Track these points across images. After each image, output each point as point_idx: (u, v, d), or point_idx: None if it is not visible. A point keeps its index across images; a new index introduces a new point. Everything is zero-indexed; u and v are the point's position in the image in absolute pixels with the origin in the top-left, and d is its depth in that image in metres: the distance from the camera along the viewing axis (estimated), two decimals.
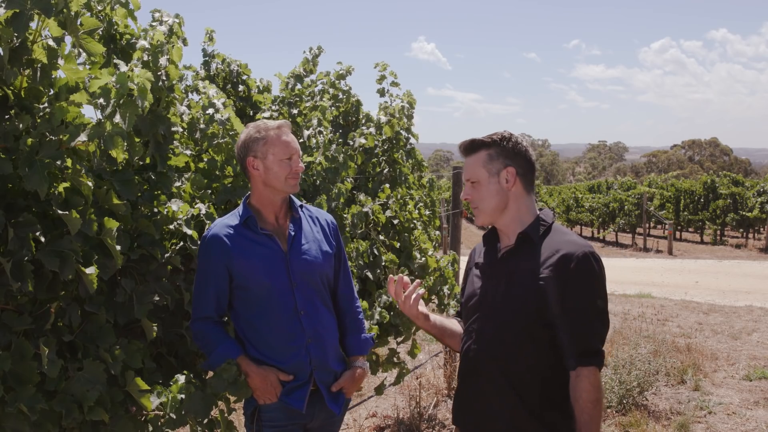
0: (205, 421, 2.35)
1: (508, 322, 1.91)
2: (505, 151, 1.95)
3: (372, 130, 4.08)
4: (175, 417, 2.07)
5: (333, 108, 4.28)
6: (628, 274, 13.33)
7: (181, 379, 2.15)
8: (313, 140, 3.54)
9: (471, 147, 2.00)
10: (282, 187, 2.30)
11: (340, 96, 4.36)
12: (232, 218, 2.33)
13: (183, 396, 2.11)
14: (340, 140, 4.14)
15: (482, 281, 2.03)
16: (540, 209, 2.01)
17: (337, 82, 4.42)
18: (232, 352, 2.24)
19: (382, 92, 4.45)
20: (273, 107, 4.20)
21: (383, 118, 4.17)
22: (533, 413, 1.88)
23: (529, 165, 1.97)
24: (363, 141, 4.01)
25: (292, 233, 2.34)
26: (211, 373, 2.28)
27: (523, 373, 1.90)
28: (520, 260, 1.93)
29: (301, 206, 2.44)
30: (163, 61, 2.32)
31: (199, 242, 2.39)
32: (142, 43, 2.32)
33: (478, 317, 2.01)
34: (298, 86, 4.46)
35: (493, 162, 1.95)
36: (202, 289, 2.28)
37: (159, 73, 2.32)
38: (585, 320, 1.83)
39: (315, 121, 3.68)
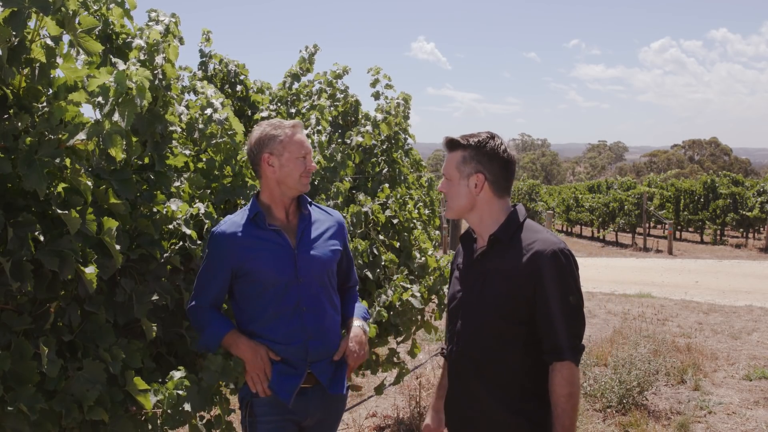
0: (204, 420, 2.35)
1: (484, 322, 1.94)
2: (479, 156, 1.95)
3: (369, 128, 4.07)
4: (171, 413, 2.07)
5: (332, 108, 4.28)
6: (628, 274, 13.34)
7: (176, 375, 2.15)
8: (310, 140, 3.54)
9: (450, 145, 2.02)
10: (295, 185, 2.32)
11: (338, 95, 4.36)
12: (242, 215, 2.34)
13: (180, 392, 2.11)
14: (340, 140, 4.15)
15: (461, 283, 2.06)
16: (514, 205, 2.03)
17: (334, 81, 4.42)
18: (223, 328, 2.28)
19: (376, 95, 4.45)
20: (271, 107, 4.21)
21: (379, 116, 4.17)
22: (514, 407, 1.91)
23: (503, 171, 1.97)
24: (360, 139, 4.00)
25: (302, 229, 2.36)
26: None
27: (502, 372, 1.93)
28: (492, 261, 1.95)
29: (310, 203, 2.45)
30: (159, 59, 2.32)
31: (198, 242, 2.40)
32: (138, 42, 2.32)
33: (458, 319, 2.04)
34: (296, 85, 4.45)
35: (466, 165, 1.97)
36: (206, 281, 2.31)
37: (155, 72, 2.32)
38: (558, 317, 1.86)
39: (313, 121, 3.68)
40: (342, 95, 4.40)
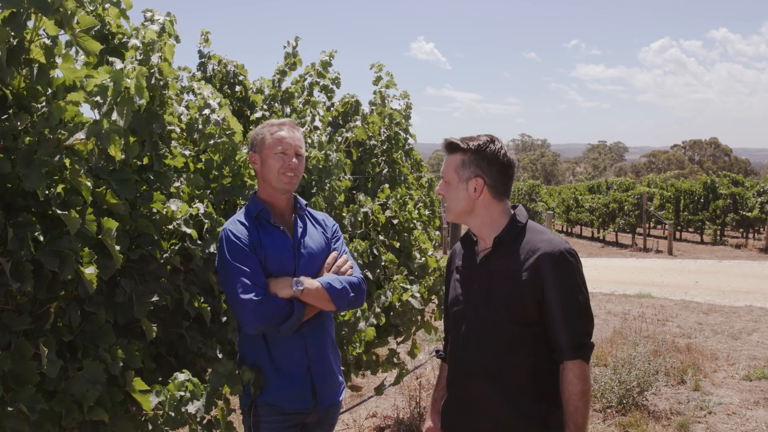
0: (205, 421, 2.35)
1: (493, 325, 1.94)
2: (479, 160, 1.95)
3: (359, 122, 4.06)
4: (174, 415, 2.07)
5: (332, 108, 4.27)
6: (628, 274, 13.34)
7: (180, 377, 2.16)
8: (308, 139, 3.54)
9: (449, 147, 2.02)
10: (275, 181, 2.32)
11: (330, 85, 4.34)
12: (243, 214, 2.35)
13: (182, 394, 2.11)
14: (340, 139, 4.15)
15: (464, 286, 2.05)
16: (514, 207, 2.03)
17: (323, 71, 4.39)
18: (299, 303, 2.24)
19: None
20: (264, 106, 4.20)
21: (366, 109, 4.16)
22: (525, 409, 1.91)
23: (502, 175, 1.97)
24: (350, 135, 3.99)
25: (299, 229, 2.38)
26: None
27: (512, 373, 1.93)
28: (498, 263, 1.95)
29: (306, 204, 2.48)
30: (155, 58, 2.32)
31: (198, 242, 2.40)
32: (134, 41, 2.32)
33: (462, 322, 2.03)
34: (286, 82, 4.43)
35: (465, 169, 1.96)
36: (245, 265, 2.20)
37: (152, 71, 2.32)
38: (567, 316, 1.87)
39: (309, 118, 3.68)
40: (335, 84, 4.36)
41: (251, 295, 2.16)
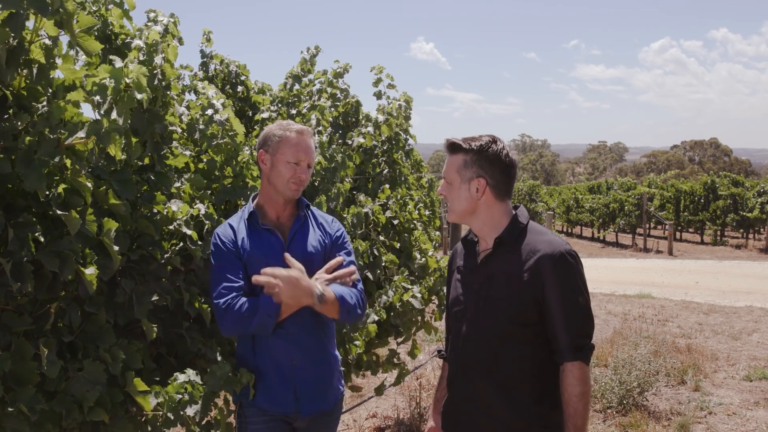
0: (204, 422, 2.35)
1: (493, 325, 1.93)
2: (481, 160, 1.94)
3: (370, 129, 4.07)
4: (172, 417, 2.07)
5: (332, 109, 4.28)
6: (628, 275, 13.34)
7: (180, 377, 2.15)
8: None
9: (451, 148, 2.01)
10: (282, 188, 2.30)
11: (339, 95, 4.35)
12: (238, 217, 2.36)
13: (180, 396, 2.11)
14: (340, 141, 4.15)
15: (464, 286, 2.05)
16: (516, 207, 2.02)
17: (334, 80, 4.40)
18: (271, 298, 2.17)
19: (378, 95, 4.43)
20: (272, 108, 4.20)
21: (381, 118, 4.17)
22: (525, 410, 1.91)
23: (504, 176, 1.97)
24: (361, 140, 4.00)
25: (294, 230, 2.35)
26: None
27: (512, 373, 1.92)
28: (499, 264, 1.95)
29: (308, 206, 2.43)
30: (158, 59, 2.32)
31: (199, 242, 2.40)
32: (137, 42, 2.32)
33: (463, 322, 2.03)
34: (297, 86, 4.44)
35: (467, 169, 1.96)
36: (227, 271, 2.21)
37: (155, 72, 2.32)
38: (568, 317, 1.86)
39: (314, 121, 3.69)
40: (343, 95, 4.38)
41: (219, 297, 2.18)
